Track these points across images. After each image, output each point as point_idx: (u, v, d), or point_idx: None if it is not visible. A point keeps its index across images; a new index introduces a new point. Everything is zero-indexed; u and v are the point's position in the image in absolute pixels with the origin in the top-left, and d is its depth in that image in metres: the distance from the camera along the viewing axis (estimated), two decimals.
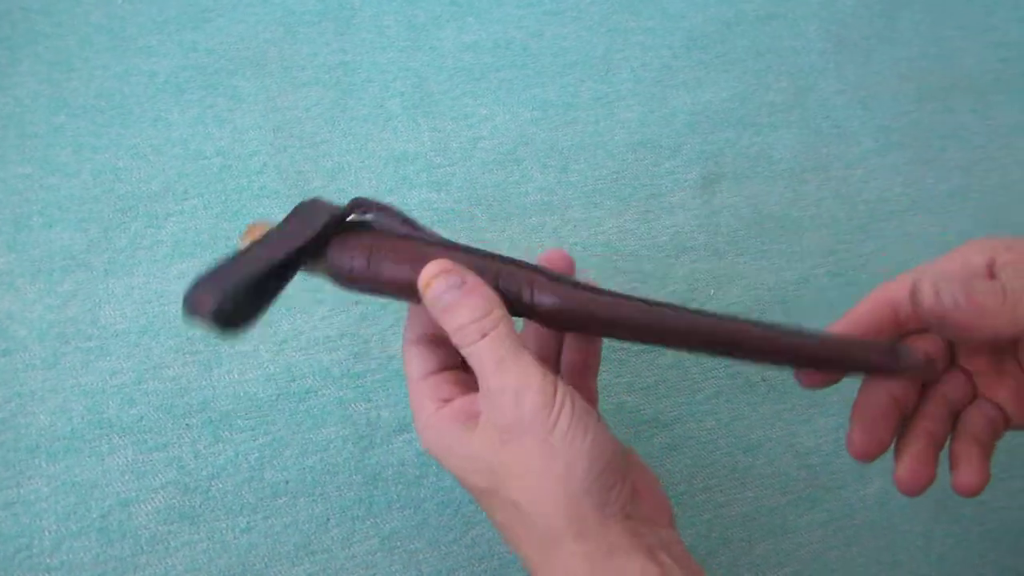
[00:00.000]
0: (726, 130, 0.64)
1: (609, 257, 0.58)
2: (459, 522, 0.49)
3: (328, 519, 0.48)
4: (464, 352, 0.36)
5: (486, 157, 0.59)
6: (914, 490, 0.40)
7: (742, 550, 0.52)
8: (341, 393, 0.51)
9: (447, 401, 0.38)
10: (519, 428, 0.34)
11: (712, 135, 0.63)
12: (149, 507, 0.47)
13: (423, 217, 0.57)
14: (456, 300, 0.35)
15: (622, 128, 0.62)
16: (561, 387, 0.35)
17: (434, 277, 0.36)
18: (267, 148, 0.57)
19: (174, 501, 0.47)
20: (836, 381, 0.42)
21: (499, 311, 0.35)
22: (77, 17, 0.59)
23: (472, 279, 0.36)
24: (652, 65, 0.66)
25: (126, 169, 0.55)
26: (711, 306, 0.58)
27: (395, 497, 0.49)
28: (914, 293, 0.36)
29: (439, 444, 0.37)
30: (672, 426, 0.54)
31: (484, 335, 0.35)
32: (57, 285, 0.51)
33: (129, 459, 0.48)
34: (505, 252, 0.38)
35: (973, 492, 0.40)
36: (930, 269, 0.40)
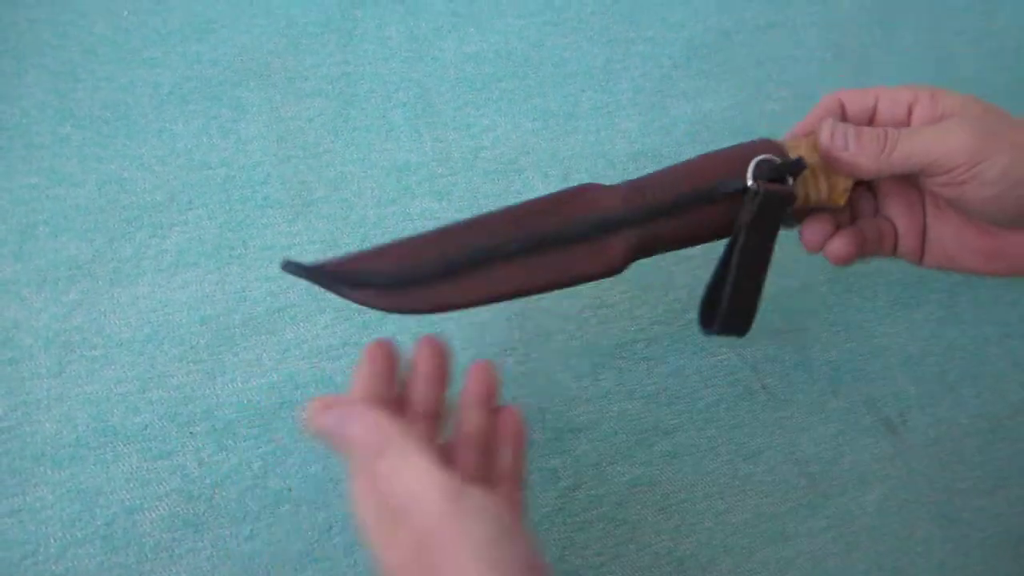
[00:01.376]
0: (727, 139, 0.64)
1: None
2: None
3: (331, 527, 0.49)
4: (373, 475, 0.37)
5: (488, 167, 0.60)
6: (843, 258, 0.47)
7: (743, 557, 0.52)
8: None
9: None
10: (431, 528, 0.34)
11: (712, 144, 0.63)
12: (153, 515, 0.47)
13: (425, 226, 0.57)
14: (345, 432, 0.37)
15: (623, 137, 0.63)
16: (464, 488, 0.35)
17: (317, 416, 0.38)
18: (271, 158, 0.57)
19: (178, 509, 0.48)
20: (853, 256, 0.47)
21: (390, 430, 0.36)
22: (82, 28, 0.60)
23: (352, 406, 0.38)
24: (652, 75, 0.66)
25: (131, 179, 0.56)
26: None
27: None
28: (817, 132, 0.45)
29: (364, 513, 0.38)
30: (673, 434, 0.54)
31: (378, 458, 0.36)
32: (63, 294, 0.52)
33: (134, 467, 0.48)
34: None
35: (835, 256, 0.47)
36: (879, 94, 0.47)
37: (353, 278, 0.40)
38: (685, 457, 0.54)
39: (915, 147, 0.43)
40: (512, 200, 0.59)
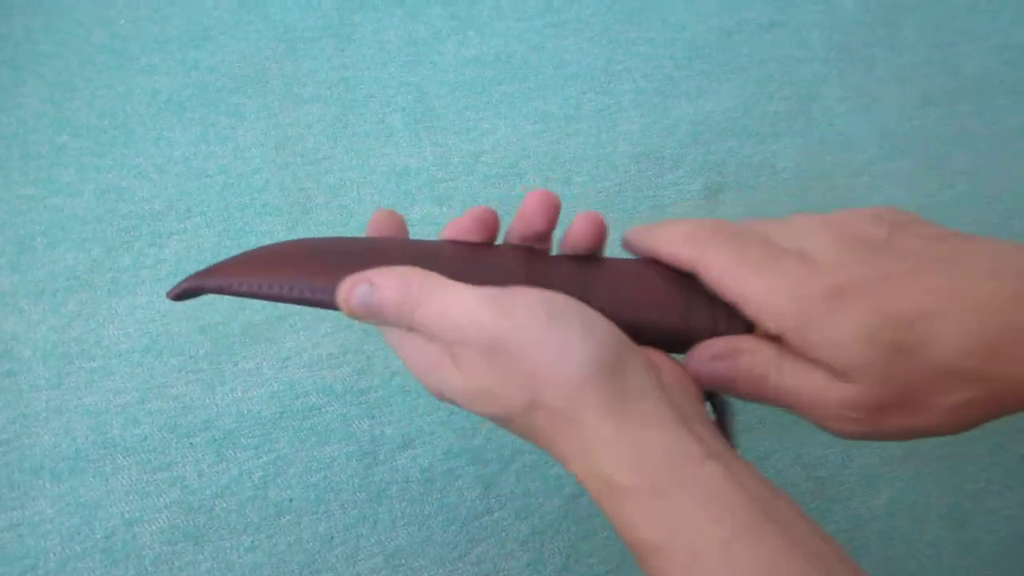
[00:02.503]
0: (729, 140, 0.64)
1: None
2: (464, 539, 0.49)
3: (332, 537, 0.48)
4: (416, 329, 0.35)
5: (488, 171, 0.59)
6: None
7: None
8: (345, 410, 0.51)
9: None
10: (497, 343, 0.33)
11: (715, 145, 0.63)
12: (153, 527, 0.47)
13: (426, 232, 0.57)
14: (377, 299, 0.34)
15: (624, 139, 0.62)
16: (507, 290, 0.34)
17: (346, 295, 0.35)
18: (269, 165, 0.57)
19: (178, 521, 0.47)
20: None
21: (415, 279, 0.34)
22: (79, 37, 0.60)
23: (374, 272, 0.35)
24: (654, 75, 0.65)
25: (129, 188, 0.55)
26: None
27: (400, 514, 0.49)
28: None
29: (441, 377, 0.35)
30: None
31: (416, 308, 0.34)
32: (61, 306, 0.51)
33: (133, 479, 0.48)
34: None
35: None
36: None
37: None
38: None
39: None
40: (513, 203, 0.58)
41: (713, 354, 0.37)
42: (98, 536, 0.46)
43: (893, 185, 0.64)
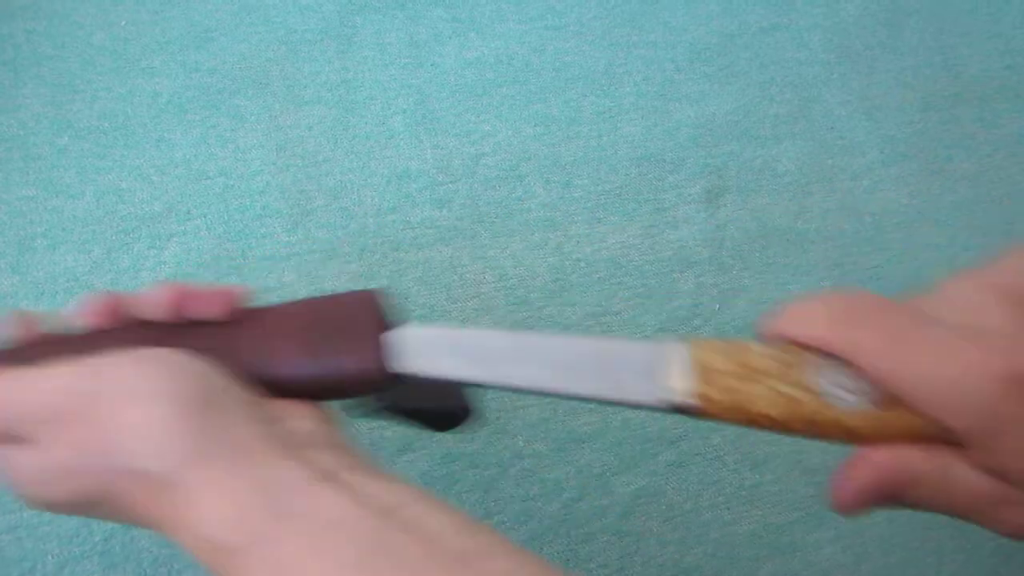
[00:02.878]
0: (730, 143, 0.64)
1: (613, 273, 0.57)
2: None
3: None
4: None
5: (489, 173, 0.59)
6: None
7: (750, 569, 0.51)
8: (343, 414, 0.51)
9: None
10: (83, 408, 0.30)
11: (716, 148, 0.63)
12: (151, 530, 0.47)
13: (426, 235, 0.57)
14: None
15: (625, 142, 0.62)
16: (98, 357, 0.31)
17: None
18: (270, 167, 0.57)
19: None
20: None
21: None
22: (80, 39, 0.60)
23: None
24: (655, 79, 0.65)
25: (129, 190, 0.55)
26: (716, 321, 0.57)
27: None
28: None
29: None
30: (678, 443, 0.53)
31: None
32: (61, 307, 0.51)
33: None
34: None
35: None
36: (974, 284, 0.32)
37: None
38: (690, 467, 0.53)
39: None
40: (513, 206, 0.58)
41: (874, 467, 0.31)
42: (97, 539, 0.46)
43: (894, 189, 0.64)
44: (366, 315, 0.35)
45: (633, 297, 0.57)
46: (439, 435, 0.51)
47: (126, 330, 0.34)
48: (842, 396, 0.31)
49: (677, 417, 0.54)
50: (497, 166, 0.60)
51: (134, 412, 0.29)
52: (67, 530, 0.46)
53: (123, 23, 0.61)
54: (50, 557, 0.46)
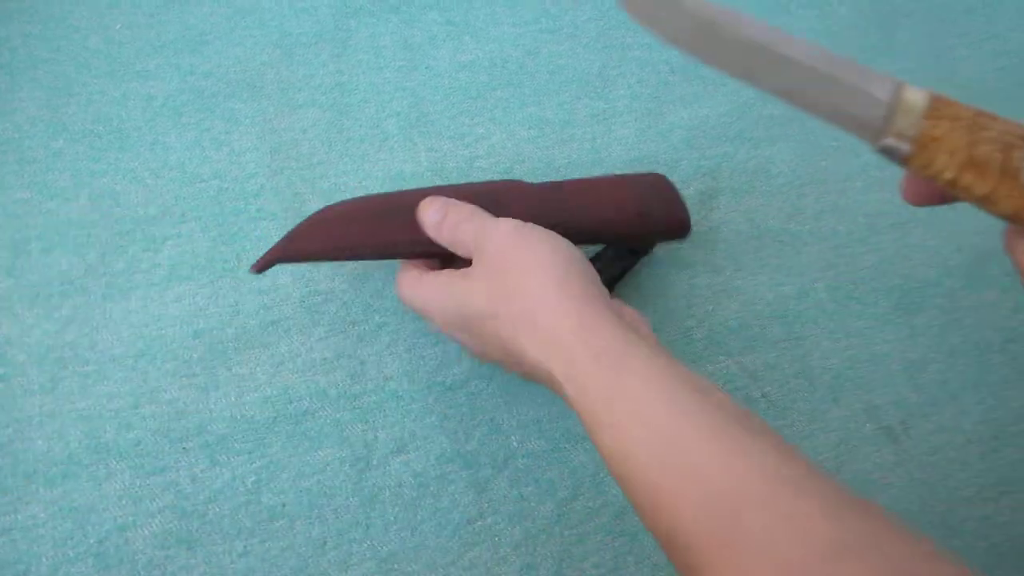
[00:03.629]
0: (723, 145, 0.64)
1: None
2: (457, 544, 0.49)
3: (325, 542, 0.48)
4: (446, 245, 0.47)
5: (483, 176, 0.60)
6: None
7: None
8: (338, 415, 0.51)
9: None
10: (492, 254, 0.44)
11: (709, 150, 0.63)
12: (146, 532, 0.47)
13: None
14: (425, 216, 0.47)
15: (619, 144, 0.62)
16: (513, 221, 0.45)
17: (422, 211, 0.48)
18: (264, 170, 0.57)
19: (171, 525, 0.47)
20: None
21: (449, 210, 0.47)
22: (75, 42, 0.60)
23: (427, 200, 0.48)
24: (649, 81, 0.66)
25: (124, 193, 0.55)
26: (710, 322, 0.57)
27: (392, 519, 0.49)
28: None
29: (436, 294, 0.45)
30: None
31: (441, 224, 0.47)
32: (55, 310, 0.51)
33: (126, 484, 0.48)
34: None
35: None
36: None
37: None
38: None
39: None
40: None
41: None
42: (91, 541, 0.46)
43: (887, 191, 0.64)
44: (669, 187, 0.55)
45: (626, 298, 0.57)
46: (432, 436, 0.51)
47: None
48: None
49: None
50: (491, 168, 0.60)
51: (528, 286, 0.42)
52: (61, 532, 0.46)
53: (118, 27, 0.61)
54: (44, 559, 0.46)
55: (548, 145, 0.61)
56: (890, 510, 0.53)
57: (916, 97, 0.35)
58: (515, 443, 0.52)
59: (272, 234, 0.55)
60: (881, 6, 0.73)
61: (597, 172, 0.61)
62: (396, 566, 0.48)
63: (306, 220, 0.48)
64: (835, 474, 0.54)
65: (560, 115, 0.63)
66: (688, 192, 0.61)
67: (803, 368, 0.57)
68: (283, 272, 0.54)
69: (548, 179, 0.60)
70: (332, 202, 0.57)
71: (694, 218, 0.61)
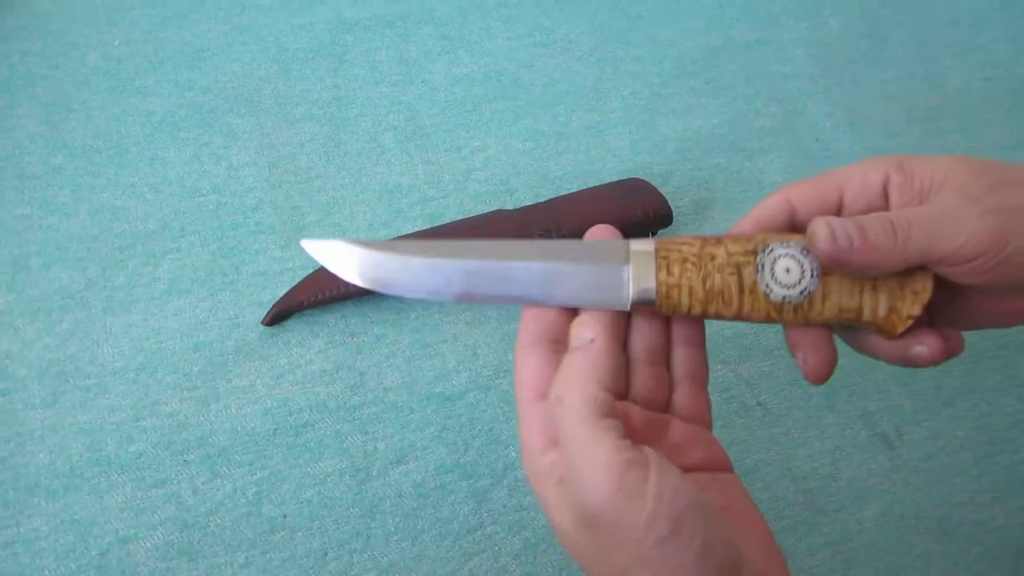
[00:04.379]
0: (716, 156, 0.65)
1: None
2: (457, 553, 0.49)
3: (326, 552, 0.48)
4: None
5: (479, 188, 0.60)
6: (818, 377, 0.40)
7: None
8: (338, 426, 0.51)
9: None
10: (606, 519, 0.31)
11: (703, 161, 0.64)
12: (148, 544, 0.47)
13: None
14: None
15: (613, 156, 0.63)
16: (654, 478, 0.31)
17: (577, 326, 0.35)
18: (262, 184, 0.58)
19: (172, 537, 0.47)
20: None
21: (592, 387, 0.33)
22: (74, 60, 0.60)
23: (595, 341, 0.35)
24: (642, 93, 0.66)
25: (123, 208, 0.56)
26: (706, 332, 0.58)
27: (393, 529, 0.49)
28: (810, 236, 0.35)
29: (540, 491, 0.34)
30: None
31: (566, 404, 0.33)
32: (56, 324, 0.52)
33: (128, 496, 0.48)
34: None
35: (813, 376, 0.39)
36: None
37: None
38: None
39: (931, 234, 0.35)
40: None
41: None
42: (93, 553, 0.47)
43: None
44: (645, 184, 0.59)
45: None
46: (431, 447, 0.51)
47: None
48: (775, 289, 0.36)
49: None
50: (487, 180, 0.61)
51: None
52: (63, 545, 0.46)
53: (117, 43, 0.62)
54: (47, 572, 0.46)
55: (543, 157, 0.62)
56: (885, 515, 0.54)
57: (643, 248, 0.36)
58: (514, 453, 0.52)
59: (271, 247, 0.56)
60: (870, 17, 0.74)
61: (592, 183, 0.61)
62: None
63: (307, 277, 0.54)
64: (831, 481, 0.54)
65: (555, 127, 0.64)
66: (682, 203, 0.62)
67: (798, 376, 0.57)
68: (283, 285, 0.54)
69: (543, 190, 0.61)
70: (331, 215, 0.57)
71: (688, 228, 0.61)
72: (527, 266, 0.36)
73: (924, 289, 0.36)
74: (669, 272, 0.36)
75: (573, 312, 0.37)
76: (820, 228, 0.35)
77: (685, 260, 0.36)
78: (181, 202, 0.56)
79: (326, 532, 0.49)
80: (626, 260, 0.36)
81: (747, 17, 0.72)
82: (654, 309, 0.36)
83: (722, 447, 0.39)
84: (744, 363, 0.57)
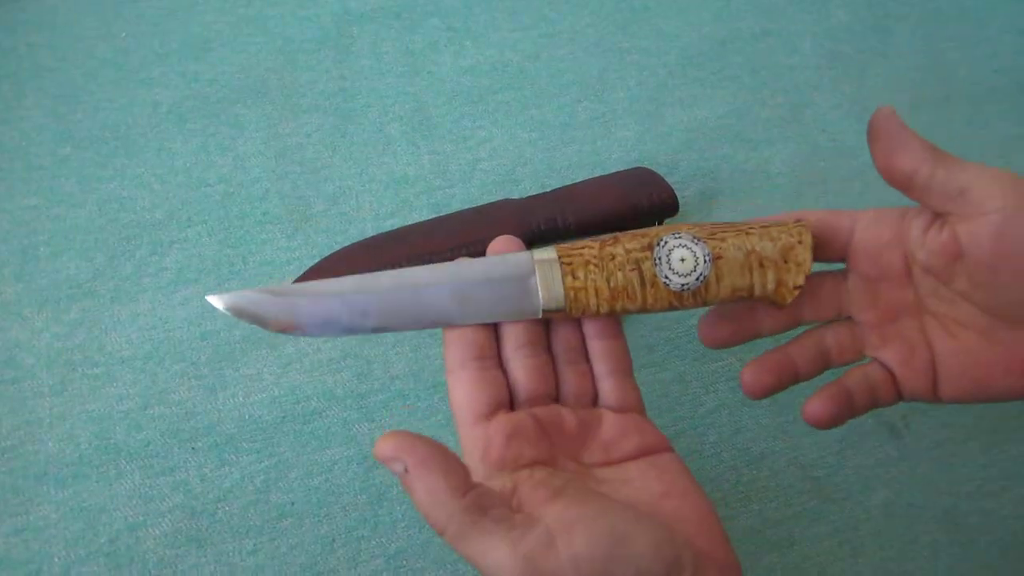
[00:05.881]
0: (723, 146, 0.65)
1: None
2: None
3: (334, 539, 0.48)
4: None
5: (485, 178, 0.60)
6: (754, 391, 0.43)
7: (747, 564, 0.52)
8: (345, 414, 0.51)
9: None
10: None
11: (709, 152, 0.64)
12: (157, 531, 0.47)
13: None
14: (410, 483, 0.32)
15: (619, 146, 0.63)
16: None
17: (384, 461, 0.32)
18: (269, 174, 0.58)
19: (181, 525, 0.48)
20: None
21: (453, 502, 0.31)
22: (81, 51, 0.60)
23: (412, 461, 0.31)
24: (648, 83, 0.66)
25: (131, 198, 0.56)
26: None
27: (400, 516, 0.49)
28: (805, 220, 0.42)
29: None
30: (675, 440, 0.54)
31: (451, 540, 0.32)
32: (64, 313, 0.52)
33: (136, 484, 0.48)
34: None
35: (814, 420, 0.42)
36: None
37: None
38: (688, 464, 0.53)
39: (956, 173, 0.39)
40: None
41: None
42: (102, 540, 0.47)
43: (885, 191, 0.65)
44: (650, 173, 0.57)
45: None
46: (438, 433, 0.51)
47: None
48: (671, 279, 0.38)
49: (673, 415, 0.54)
50: (494, 171, 0.61)
51: None
52: (72, 532, 0.47)
53: (123, 35, 0.62)
54: (56, 559, 0.46)
55: (549, 147, 0.62)
56: (892, 504, 0.54)
57: (546, 256, 0.37)
58: None
59: (277, 237, 0.56)
60: (877, 9, 0.74)
61: (598, 173, 0.61)
62: (404, 563, 0.48)
63: (309, 270, 0.51)
64: (838, 470, 0.54)
65: (560, 117, 0.64)
66: (688, 193, 0.62)
67: None
68: (289, 274, 0.55)
69: (549, 180, 0.61)
70: (338, 205, 0.57)
71: (694, 219, 0.61)
72: (437, 290, 0.37)
73: (805, 261, 0.39)
74: (574, 276, 0.37)
75: (492, 326, 0.38)
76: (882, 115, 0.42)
77: (588, 263, 0.37)
78: (188, 192, 0.57)
79: (334, 519, 0.49)
80: (532, 270, 0.37)
81: (754, 8, 0.72)
82: (565, 313, 0.37)
83: (656, 428, 0.40)
84: (751, 352, 0.57)
